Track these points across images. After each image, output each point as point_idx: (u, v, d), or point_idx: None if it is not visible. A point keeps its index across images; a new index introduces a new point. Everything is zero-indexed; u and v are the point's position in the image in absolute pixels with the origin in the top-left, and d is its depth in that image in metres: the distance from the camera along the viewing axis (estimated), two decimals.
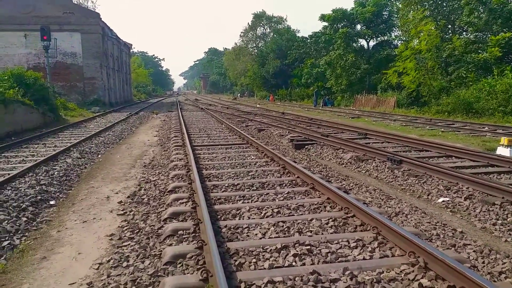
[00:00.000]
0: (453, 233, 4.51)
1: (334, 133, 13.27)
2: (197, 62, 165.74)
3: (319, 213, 5.00)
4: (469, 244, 4.17)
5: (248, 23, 67.33)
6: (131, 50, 56.67)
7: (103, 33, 33.91)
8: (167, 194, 6.02)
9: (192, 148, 9.54)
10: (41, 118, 16.54)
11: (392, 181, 7.07)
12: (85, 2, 49.37)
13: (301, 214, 4.94)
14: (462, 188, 6.18)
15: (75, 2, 37.71)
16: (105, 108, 28.65)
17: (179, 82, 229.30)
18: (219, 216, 4.89)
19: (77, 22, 31.44)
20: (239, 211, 5.06)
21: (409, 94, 25.80)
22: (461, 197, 5.83)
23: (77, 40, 31.86)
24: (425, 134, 13.28)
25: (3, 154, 9.49)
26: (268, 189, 6.11)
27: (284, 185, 6.34)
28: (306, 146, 10.94)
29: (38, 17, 29.52)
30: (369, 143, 10.87)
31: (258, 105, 34.89)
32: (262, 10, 66.80)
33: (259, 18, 65.89)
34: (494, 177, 6.96)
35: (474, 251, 3.99)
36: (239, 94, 70.78)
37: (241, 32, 69.33)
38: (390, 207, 5.45)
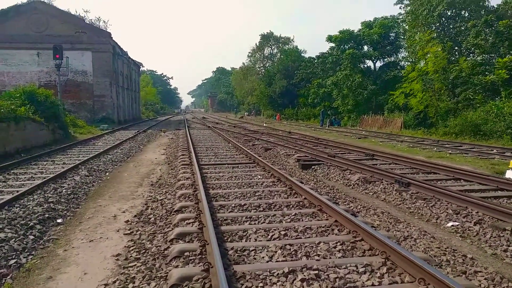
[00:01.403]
0: (463, 259, 4.43)
1: (341, 153, 13.24)
2: (205, 81, 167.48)
3: (327, 236, 4.94)
4: (480, 271, 4.08)
5: (256, 44, 68.37)
6: (140, 69, 57.51)
7: (114, 52, 34.54)
8: (173, 214, 6.00)
9: (199, 167, 9.56)
10: (51, 135, 16.73)
11: (400, 204, 6.99)
12: (97, 21, 50.34)
13: (309, 237, 4.89)
14: (471, 212, 6.09)
15: (87, 22, 38.55)
16: (114, 126, 28.92)
17: (187, 101, 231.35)
18: (225, 238, 4.86)
19: (88, 41, 32.11)
20: (246, 232, 5.02)
21: (416, 115, 25.76)
22: (470, 222, 5.75)
23: (88, 59, 32.47)
24: (432, 156, 13.19)
25: (12, 171, 9.57)
26: (275, 210, 6.08)
27: (291, 206, 6.30)
28: (313, 167, 10.90)
29: (51, 36, 30.19)
30: (376, 164, 10.81)
31: (264, 124, 35.01)
32: (270, 31, 67.94)
33: (267, 39, 66.93)
34: (504, 201, 6.85)
35: (485, 279, 3.91)
36: (246, 113, 71.21)
37: (249, 52, 70.45)
38: (398, 231, 5.38)
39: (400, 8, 35.04)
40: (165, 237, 5.06)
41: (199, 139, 19.00)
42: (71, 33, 31.57)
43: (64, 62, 25.18)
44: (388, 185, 8.13)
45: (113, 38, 34.27)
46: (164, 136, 21.99)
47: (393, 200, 7.26)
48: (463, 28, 25.41)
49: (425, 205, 6.72)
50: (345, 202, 6.97)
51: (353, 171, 9.71)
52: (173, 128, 28.92)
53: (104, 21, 59.93)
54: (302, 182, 7.97)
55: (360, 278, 3.75)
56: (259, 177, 8.89)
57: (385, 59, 36.22)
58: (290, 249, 4.44)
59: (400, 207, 6.87)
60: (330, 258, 4.23)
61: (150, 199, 7.21)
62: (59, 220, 5.97)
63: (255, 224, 5.42)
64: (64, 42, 28.32)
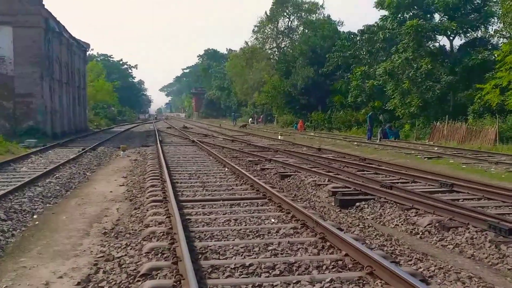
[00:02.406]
0: None
1: (402, 182, 13.16)
2: (187, 70, 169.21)
3: None
4: None
5: (266, 12, 68.94)
6: (87, 53, 58.21)
7: (47, 28, 35.00)
8: (139, 281, 5.97)
9: (178, 204, 9.53)
10: None
11: (497, 264, 6.91)
12: None
13: None
14: None
15: None
16: (46, 141, 29.09)
17: (159, 101, 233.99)
18: None
19: (7, 11, 32.58)
20: None
21: None
22: None
23: (6, 38, 32.86)
24: None
25: None
26: (299, 275, 6.03)
27: (324, 268, 6.25)
28: (357, 204, 10.84)
29: None
30: (458, 200, 10.71)
31: (280, 136, 35.06)
32: None
33: (282, 4, 67.43)
34: None
35: None
36: (250, 119, 71.51)
37: (255, 26, 70.92)
38: None
39: None
40: None
41: (178, 160, 19.02)
42: None
43: None
44: (478, 233, 8.03)
45: (45, 7, 34.73)
46: (124, 157, 22.06)
47: (486, 258, 7.15)
48: None
49: None
50: (409, 260, 6.89)
51: (421, 211, 9.61)
52: (137, 144, 29.05)
53: None
54: (341, 229, 7.91)
55: None
56: (273, 220, 8.84)
57: (468, 35, 36.30)
58: None
59: (498, 268, 6.77)
60: None
61: (102, 256, 7.17)
62: None
63: None
64: None
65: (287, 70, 57.17)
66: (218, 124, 66.83)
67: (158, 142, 27.11)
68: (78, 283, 6.12)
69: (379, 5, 39.01)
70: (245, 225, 8.47)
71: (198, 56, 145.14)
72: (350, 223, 9.25)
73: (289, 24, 69.35)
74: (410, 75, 34.22)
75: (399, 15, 38.33)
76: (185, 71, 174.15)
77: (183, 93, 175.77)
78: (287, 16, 68.85)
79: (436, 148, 25.02)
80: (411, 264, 6.68)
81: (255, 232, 7.97)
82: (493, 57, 30.17)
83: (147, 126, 64.06)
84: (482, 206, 9.98)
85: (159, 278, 5.91)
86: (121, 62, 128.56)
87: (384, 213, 10.01)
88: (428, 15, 37.20)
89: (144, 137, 37.76)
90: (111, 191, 13.13)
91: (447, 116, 31.75)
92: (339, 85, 47.36)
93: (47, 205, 11.32)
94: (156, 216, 9.10)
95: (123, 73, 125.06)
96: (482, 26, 35.71)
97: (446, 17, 36.21)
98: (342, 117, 45.07)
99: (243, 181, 13.39)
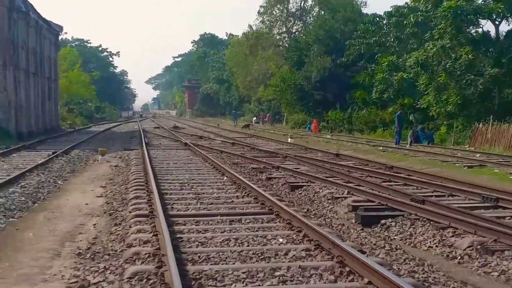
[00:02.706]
0: None
1: (436, 196, 13.12)
2: (179, 59, 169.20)
3: None
4: None
5: None
6: (60, 37, 58.22)
7: (11, 6, 35.01)
8: None
9: (167, 220, 9.53)
10: None
11: None
12: None
13: None
14: None
15: None
16: (9, 143, 29.11)
17: (144, 95, 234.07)
18: None
19: None
20: None
21: None
22: None
23: None
24: None
25: None
26: None
27: None
28: (382, 221, 10.80)
29: None
30: (504, 217, 10.67)
31: (290, 139, 34.99)
32: None
33: None
34: None
35: None
36: (254, 118, 71.42)
37: (261, 7, 70.84)
38: None
39: None
40: None
41: (167, 167, 19.04)
42: None
43: None
44: None
45: None
46: (103, 162, 22.08)
47: None
48: None
49: None
50: None
51: (460, 230, 9.58)
52: (119, 147, 29.09)
53: None
54: (363, 252, 7.90)
55: None
56: (281, 240, 8.82)
57: None
58: None
59: None
60: None
61: (76, 282, 7.15)
62: None
63: None
64: None
65: (299, 59, 57.05)
66: (216, 123, 66.90)
67: (144, 144, 27.17)
68: None
69: None
70: (248, 246, 8.44)
71: (192, 42, 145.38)
72: (374, 244, 9.21)
73: (302, 4, 69.37)
74: (447, 66, 34.08)
75: None
76: (176, 59, 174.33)
77: (174, 87, 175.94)
78: None
79: (478, 155, 24.93)
80: None
81: (259, 255, 7.94)
82: None
83: (131, 125, 64.18)
84: None
85: None
86: (100, 49, 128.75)
87: (415, 233, 9.94)
88: None
89: (127, 138, 37.80)
90: (87, 203, 13.11)
91: (491, 116, 31.56)
92: (361, 78, 47.13)
93: (10, 219, 11.27)
94: (140, 234, 9.08)
95: (102, 61, 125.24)
96: None
97: None
98: (365, 117, 44.92)
99: (246, 192, 13.37)
